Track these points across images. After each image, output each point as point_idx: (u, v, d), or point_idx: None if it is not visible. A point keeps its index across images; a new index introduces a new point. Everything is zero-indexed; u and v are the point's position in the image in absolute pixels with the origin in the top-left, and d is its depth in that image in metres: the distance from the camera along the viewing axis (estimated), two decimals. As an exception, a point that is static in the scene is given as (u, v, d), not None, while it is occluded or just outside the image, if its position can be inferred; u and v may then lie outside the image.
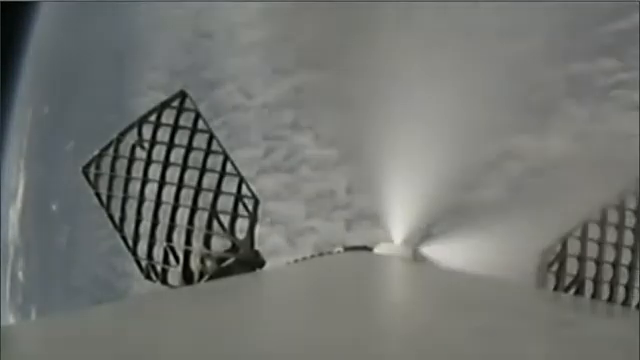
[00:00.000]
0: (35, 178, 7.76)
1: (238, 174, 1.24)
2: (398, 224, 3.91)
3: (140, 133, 1.27)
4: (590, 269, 1.12)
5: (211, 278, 1.19)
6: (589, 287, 1.12)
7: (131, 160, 1.27)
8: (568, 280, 1.11)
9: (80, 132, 6.99)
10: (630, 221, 1.16)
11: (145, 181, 1.26)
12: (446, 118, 4.24)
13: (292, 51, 5.28)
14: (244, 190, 1.23)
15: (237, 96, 5.24)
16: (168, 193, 1.26)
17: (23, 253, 7.31)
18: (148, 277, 1.26)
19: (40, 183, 7.57)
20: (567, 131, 3.84)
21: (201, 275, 1.22)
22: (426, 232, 3.78)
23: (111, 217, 1.29)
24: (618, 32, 3.88)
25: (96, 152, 1.30)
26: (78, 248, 6.43)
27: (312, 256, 1.10)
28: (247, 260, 1.21)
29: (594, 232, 1.14)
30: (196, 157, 1.27)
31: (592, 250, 1.13)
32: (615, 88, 3.75)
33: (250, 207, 1.23)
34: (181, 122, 1.28)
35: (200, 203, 1.25)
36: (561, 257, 1.10)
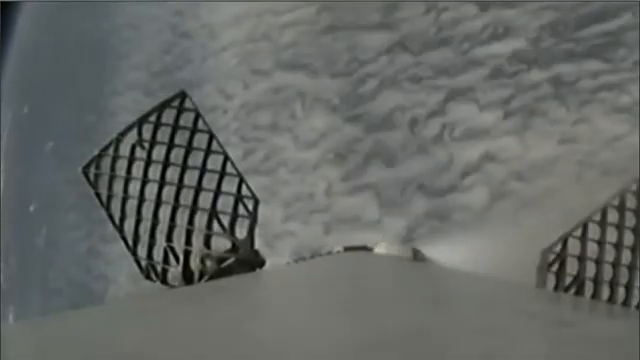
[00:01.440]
0: (14, 179, 7.74)
1: (238, 174, 1.24)
2: (378, 228, 3.91)
3: (140, 133, 1.27)
4: (590, 269, 1.12)
5: (211, 278, 1.19)
6: (589, 287, 1.12)
7: (131, 160, 1.27)
8: (568, 280, 1.11)
9: (59, 132, 6.97)
10: (630, 221, 1.16)
11: (145, 181, 1.26)
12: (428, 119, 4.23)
13: (271, 52, 5.26)
14: (244, 190, 1.23)
15: (216, 97, 5.21)
16: (168, 193, 1.26)
17: (1, 254, 7.28)
18: (148, 277, 1.26)
19: (19, 184, 7.56)
20: (551, 134, 3.81)
21: (201, 275, 1.22)
22: (406, 236, 3.77)
23: (111, 217, 1.29)
24: (604, 34, 3.85)
25: (96, 152, 1.30)
26: (56, 249, 6.42)
27: (312, 256, 1.10)
28: (247, 260, 1.21)
29: (594, 232, 1.14)
30: (196, 157, 1.27)
31: (592, 250, 1.13)
32: (601, 90, 3.72)
33: (250, 207, 1.24)
34: (181, 122, 1.28)
35: (200, 203, 1.25)
36: (561, 257, 1.10)
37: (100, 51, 7.02)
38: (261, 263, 1.25)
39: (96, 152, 1.31)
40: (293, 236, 4.08)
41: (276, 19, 5.39)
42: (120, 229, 1.29)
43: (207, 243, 1.25)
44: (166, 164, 1.27)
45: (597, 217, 1.15)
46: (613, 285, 1.14)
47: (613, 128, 3.59)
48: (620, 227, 1.15)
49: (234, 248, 1.24)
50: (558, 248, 1.12)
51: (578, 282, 1.12)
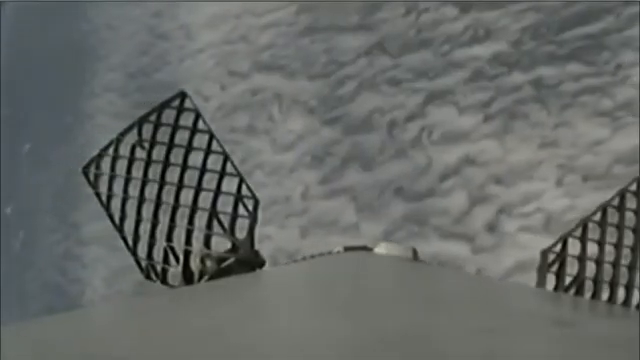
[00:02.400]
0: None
1: (238, 174, 1.25)
2: (354, 232, 3.90)
3: (140, 133, 1.27)
4: (590, 269, 1.12)
5: (211, 278, 1.20)
6: (589, 287, 1.12)
7: (131, 160, 1.28)
8: (568, 280, 1.11)
9: (36, 134, 6.95)
10: (630, 221, 1.16)
11: (145, 181, 1.26)
12: (407, 122, 4.21)
13: (249, 53, 5.23)
14: (244, 190, 1.23)
15: (192, 99, 5.25)
16: (168, 193, 1.26)
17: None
18: (148, 277, 1.26)
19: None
20: (532, 137, 3.79)
21: (201, 275, 1.22)
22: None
23: (111, 217, 1.29)
24: (587, 36, 3.83)
25: (96, 152, 1.30)
26: (32, 252, 6.40)
27: (312, 256, 1.10)
28: (247, 260, 1.22)
29: (594, 232, 1.14)
30: (196, 157, 1.27)
31: (592, 250, 1.13)
32: (582, 94, 3.70)
33: (250, 207, 1.24)
34: (181, 122, 1.28)
35: (200, 203, 1.25)
36: (561, 257, 1.11)
37: (79, 52, 6.99)
38: (261, 263, 1.26)
39: (96, 152, 1.31)
40: (270, 240, 4.07)
41: (255, 20, 5.35)
42: (120, 229, 1.29)
43: (207, 243, 1.25)
44: (166, 164, 1.28)
45: (597, 217, 1.15)
46: (613, 285, 1.14)
47: (594, 132, 3.58)
48: (620, 227, 1.15)
49: (234, 248, 1.25)
50: (558, 248, 1.13)
51: (578, 282, 1.12)
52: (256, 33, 5.30)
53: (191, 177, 1.28)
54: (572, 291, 1.13)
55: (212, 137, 1.28)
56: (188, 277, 1.24)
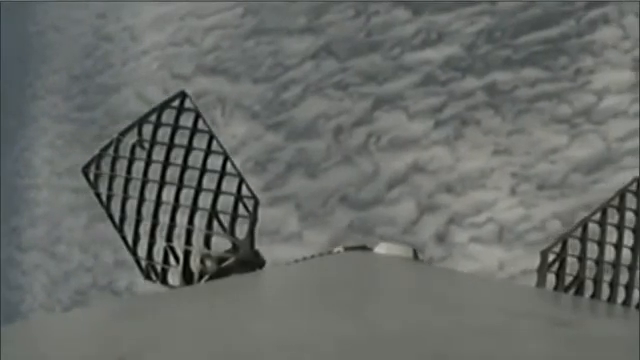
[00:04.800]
0: None
1: (238, 174, 1.25)
2: (297, 241, 3.83)
3: (140, 133, 1.28)
4: (590, 269, 1.12)
5: (211, 278, 1.20)
6: (589, 287, 1.12)
7: (131, 160, 1.28)
8: (568, 280, 1.11)
9: None
10: (630, 221, 1.16)
11: (145, 181, 1.27)
12: (353, 127, 4.12)
13: (193, 56, 5.14)
14: (244, 190, 1.24)
15: (134, 102, 5.05)
16: (168, 193, 1.26)
17: None
18: (148, 277, 1.27)
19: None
20: (485, 144, 3.71)
21: (201, 275, 1.22)
22: (327, 251, 3.70)
23: (111, 217, 1.29)
24: (544, 41, 3.76)
25: (96, 152, 1.30)
26: None
27: (312, 256, 1.10)
28: (247, 260, 1.22)
29: (594, 232, 1.14)
30: (196, 157, 1.27)
31: (592, 250, 1.13)
32: (539, 100, 3.63)
33: (250, 207, 1.24)
34: (181, 122, 1.28)
35: (200, 203, 1.26)
36: (561, 257, 1.11)
37: (24, 54, 6.92)
38: (261, 263, 1.26)
39: (96, 152, 1.31)
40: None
41: (199, 22, 5.27)
42: (120, 229, 1.30)
43: (207, 243, 1.26)
44: (166, 164, 1.28)
45: (597, 217, 1.15)
46: (613, 285, 1.14)
47: (551, 139, 3.52)
48: (620, 227, 1.16)
49: (234, 248, 1.25)
50: (558, 248, 1.13)
51: (578, 282, 1.12)
52: (201, 35, 5.20)
53: (191, 177, 1.28)
54: (572, 291, 1.13)
55: (212, 137, 1.28)
56: (188, 277, 1.25)
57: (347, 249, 1.07)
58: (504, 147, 3.58)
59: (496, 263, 3.17)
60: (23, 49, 6.98)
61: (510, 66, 3.77)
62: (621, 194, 1.19)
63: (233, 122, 4.73)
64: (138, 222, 1.30)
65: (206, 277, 1.25)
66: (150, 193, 1.30)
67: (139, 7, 5.75)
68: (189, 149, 1.30)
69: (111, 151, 1.32)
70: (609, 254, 1.17)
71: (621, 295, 1.17)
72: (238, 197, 1.26)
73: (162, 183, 1.29)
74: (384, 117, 4.06)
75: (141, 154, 1.31)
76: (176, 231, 1.29)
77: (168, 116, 1.32)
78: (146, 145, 1.30)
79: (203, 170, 1.28)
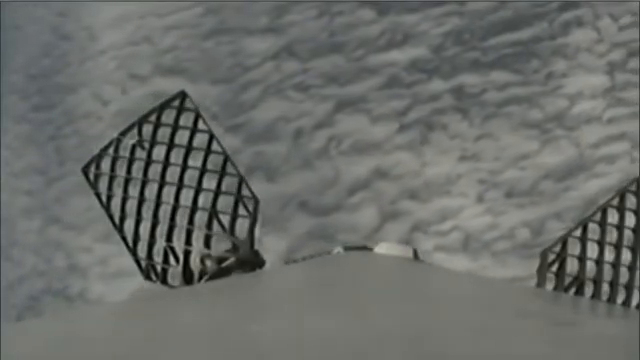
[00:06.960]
0: None
1: (238, 174, 1.25)
2: (258, 248, 3.74)
3: (140, 133, 1.28)
4: (590, 269, 1.12)
5: (211, 278, 1.20)
6: (589, 287, 1.12)
7: (131, 160, 1.28)
8: (568, 280, 1.11)
9: None
10: (630, 221, 1.16)
11: (145, 181, 1.27)
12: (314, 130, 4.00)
13: (151, 56, 5.03)
14: (244, 190, 1.24)
15: (91, 102, 4.93)
16: (168, 193, 1.26)
17: None
18: (148, 277, 1.27)
19: None
20: (451, 149, 3.60)
21: (201, 275, 1.22)
22: (287, 258, 3.63)
23: (111, 217, 1.29)
24: (515, 43, 3.67)
25: (96, 152, 1.30)
26: None
27: (312, 256, 1.10)
28: (247, 260, 1.22)
29: (594, 232, 1.14)
30: (196, 157, 1.27)
31: (592, 250, 1.13)
32: (508, 104, 3.53)
33: (250, 207, 1.24)
34: (181, 122, 1.28)
35: (200, 203, 1.26)
36: (561, 257, 1.11)
37: None
38: (261, 263, 1.26)
39: (96, 152, 1.31)
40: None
41: (159, 21, 5.19)
42: (120, 229, 1.29)
43: (207, 243, 1.26)
44: (166, 164, 1.28)
45: (597, 217, 1.15)
46: (613, 285, 1.14)
47: (521, 145, 3.43)
48: (620, 227, 1.16)
49: (234, 248, 1.25)
50: (558, 248, 1.13)
51: (578, 282, 1.12)
52: (159, 35, 5.11)
53: (191, 177, 1.28)
54: (572, 291, 1.13)
55: (212, 137, 1.28)
56: (188, 277, 1.25)
57: (347, 249, 1.07)
58: (471, 152, 3.51)
59: (461, 273, 3.10)
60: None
61: (479, 69, 3.69)
62: (621, 194, 1.20)
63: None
64: (138, 222, 1.31)
65: (206, 277, 1.25)
66: (150, 193, 1.30)
67: (100, 6, 5.67)
68: (189, 149, 1.30)
69: (111, 151, 1.32)
70: (609, 254, 1.17)
71: (621, 295, 1.17)
72: (238, 197, 1.26)
73: (162, 183, 1.29)
74: (346, 120, 3.95)
75: (141, 154, 1.31)
76: (176, 231, 1.29)
77: (168, 116, 1.32)
78: (146, 145, 1.30)
79: (203, 170, 1.28)
